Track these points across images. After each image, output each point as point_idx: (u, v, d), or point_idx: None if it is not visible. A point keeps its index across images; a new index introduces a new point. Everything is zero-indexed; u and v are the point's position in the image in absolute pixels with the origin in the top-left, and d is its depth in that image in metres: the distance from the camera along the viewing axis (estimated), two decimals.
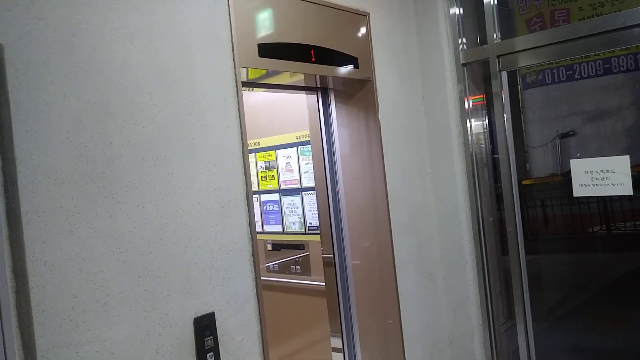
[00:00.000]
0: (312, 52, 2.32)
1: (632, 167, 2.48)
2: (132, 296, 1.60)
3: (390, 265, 2.68)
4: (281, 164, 3.73)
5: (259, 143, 3.85)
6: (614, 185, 2.51)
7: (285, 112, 3.65)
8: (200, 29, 1.87)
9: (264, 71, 2.26)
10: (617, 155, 2.51)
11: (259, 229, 3.86)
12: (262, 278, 2.03)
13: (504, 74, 2.83)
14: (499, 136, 2.84)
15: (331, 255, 2.82)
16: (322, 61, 2.38)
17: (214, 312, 1.81)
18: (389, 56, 2.79)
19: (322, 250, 3.27)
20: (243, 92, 2.00)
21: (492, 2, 2.77)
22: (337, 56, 2.46)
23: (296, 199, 3.65)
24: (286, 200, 3.72)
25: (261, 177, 3.87)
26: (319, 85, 2.71)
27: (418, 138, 2.97)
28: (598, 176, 2.54)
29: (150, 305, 1.64)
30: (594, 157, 2.56)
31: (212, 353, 1.78)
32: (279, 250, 3.79)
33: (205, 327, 1.77)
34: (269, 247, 3.85)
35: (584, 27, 2.53)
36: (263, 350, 1.97)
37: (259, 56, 2.09)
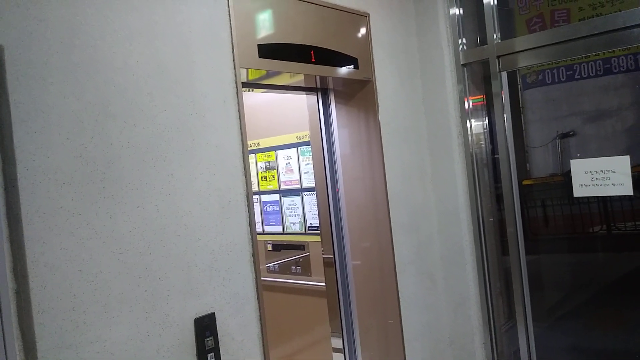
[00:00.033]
0: (312, 52, 2.32)
1: (632, 167, 2.48)
2: (133, 297, 1.60)
3: (391, 266, 2.68)
4: (281, 164, 3.73)
5: (259, 144, 3.85)
6: (614, 185, 2.51)
7: (285, 112, 3.65)
8: (201, 29, 1.87)
9: (264, 72, 2.26)
10: (617, 155, 2.51)
11: (259, 229, 3.86)
12: (262, 278, 2.03)
13: (504, 74, 2.83)
14: (499, 136, 2.84)
15: (331, 256, 2.82)
16: (322, 62, 2.38)
17: (214, 313, 1.81)
18: (389, 56, 2.79)
19: (323, 250, 3.26)
20: (243, 92, 2.00)
21: (492, 3, 2.77)
22: (337, 57, 2.46)
23: (296, 199, 3.65)
24: (286, 200, 3.72)
25: (261, 177, 3.87)
26: (319, 86, 2.72)
27: (418, 138, 2.97)
28: (598, 176, 2.54)
29: (151, 306, 1.64)
30: (594, 157, 2.56)
31: (212, 353, 1.78)
32: (279, 250, 3.79)
33: (205, 327, 1.77)
34: (269, 247, 3.85)
35: (584, 28, 2.53)
36: (263, 351, 1.97)
37: (259, 57, 2.09)
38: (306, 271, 3.62)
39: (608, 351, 3.58)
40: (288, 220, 3.73)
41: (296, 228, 3.68)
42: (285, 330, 3.66)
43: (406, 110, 2.89)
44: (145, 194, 1.66)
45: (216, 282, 1.83)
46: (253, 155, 3.87)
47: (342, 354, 2.82)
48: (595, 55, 4.06)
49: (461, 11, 2.95)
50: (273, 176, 3.79)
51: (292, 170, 3.66)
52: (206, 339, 1.77)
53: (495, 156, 2.94)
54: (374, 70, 2.67)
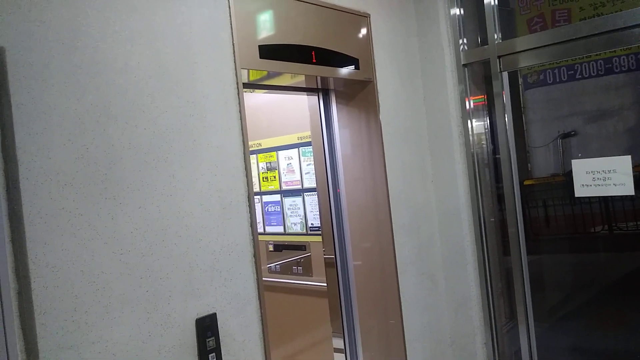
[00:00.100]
0: (313, 53, 2.32)
1: (634, 167, 2.48)
2: (134, 297, 1.60)
3: (392, 266, 2.68)
4: (282, 165, 3.73)
5: (260, 144, 3.86)
6: (615, 185, 2.50)
7: (287, 113, 3.65)
8: (201, 30, 1.87)
9: (264, 72, 2.26)
10: (618, 155, 2.51)
11: (260, 230, 3.87)
12: (263, 279, 2.03)
13: (505, 75, 2.83)
14: (500, 136, 2.84)
15: (333, 256, 2.82)
16: (323, 62, 2.38)
17: (215, 313, 1.82)
18: (389, 57, 2.79)
19: (324, 251, 3.26)
20: (244, 93, 2.00)
21: (492, 3, 2.77)
22: (338, 57, 2.47)
23: (297, 199, 3.65)
24: (287, 201, 3.72)
25: (262, 178, 3.88)
26: (320, 87, 2.72)
27: (419, 138, 2.97)
28: (599, 176, 2.54)
29: (152, 307, 1.64)
30: (595, 157, 2.56)
31: (213, 354, 1.78)
32: (281, 251, 3.79)
33: (207, 328, 1.78)
34: (271, 248, 3.85)
35: (584, 27, 2.53)
36: (265, 351, 1.97)
37: (260, 57, 2.09)
38: (307, 271, 3.62)
39: (609, 351, 3.57)
40: (289, 221, 3.73)
41: (297, 228, 3.69)
42: (286, 331, 3.66)
43: (407, 110, 2.89)
44: (147, 195, 1.66)
45: (217, 283, 1.84)
46: (254, 155, 3.88)
47: (343, 355, 2.82)
48: (597, 55, 4.06)
49: (462, 11, 2.95)
50: (274, 177, 3.79)
51: (293, 171, 3.67)
52: (207, 340, 1.77)
53: (497, 156, 2.93)
54: (375, 71, 2.67)
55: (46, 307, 1.41)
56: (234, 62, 1.97)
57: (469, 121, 2.94)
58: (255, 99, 3.79)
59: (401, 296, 2.69)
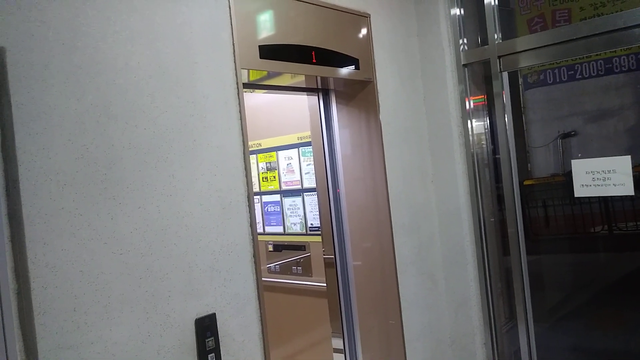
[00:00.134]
0: (313, 53, 2.32)
1: (634, 167, 2.48)
2: (134, 297, 1.60)
3: (392, 266, 2.68)
4: (282, 165, 3.73)
5: (260, 144, 3.86)
6: (615, 185, 2.50)
7: (286, 113, 3.65)
8: (201, 30, 1.87)
9: (265, 72, 2.26)
10: (618, 155, 2.51)
11: (260, 230, 3.86)
12: (263, 279, 2.03)
13: (505, 75, 2.83)
14: (500, 136, 2.84)
15: (332, 256, 2.82)
16: (323, 62, 2.38)
17: (215, 313, 1.82)
18: (389, 57, 2.79)
19: (324, 251, 3.26)
20: (244, 93, 2.00)
21: (492, 3, 2.77)
22: (338, 57, 2.47)
23: (297, 200, 3.65)
24: (287, 201, 3.72)
25: (262, 178, 3.88)
26: (320, 87, 2.72)
27: (419, 139, 2.97)
28: (599, 176, 2.54)
29: (152, 307, 1.64)
30: (595, 157, 2.56)
31: (213, 354, 1.78)
32: (280, 251, 3.79)
33: (206, 328, 1.78)
34: (270, 248, 3.85)
35: (584, 28, 2.53)
36: (264, 351, 1.97)
37: (260, 57, 2.09)
38: (307, 272, 3.62)
39: (609, 351, 3.58)
40: (289, 221, 3.73)
41: (297, 228, 3.69)
42: (286, 331, 3.66)
43: (407, 110, 2.89)
44: (147, 195, 1.66)
45: (217, 283, 1.84)
46: (254, 155, 3.88)
47: (343, 355, 2.82)
48: (597, 55, 4.06)
49: (462, 11, 2.95)
50: (274, 177, 3.79)
51: (293, 171, 3.67)
52: (207, 340, 1.77)
53: (497, 156, 2.93)
54: (375, 71, 2.67)
55: (45, 307, 1.41)
56: (234, 62, 1.97)
57: (469, 121, 2.94)
58: (255, 99, 3.79)
59: (401, 296, 2.69)
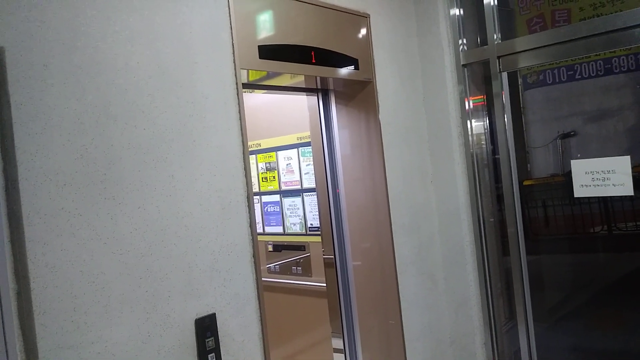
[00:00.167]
0: (312, 53, 2.32)
1: (633, 167, 2.48)
2: (134, 297, 1.60)
3: (391, 266, 2.68)
4: (282, 165, 3.73)
5: (259, 144, 3.86)
6: (614, 185, 2.51)
7: (286, 113, 3.65)
8: (201, 30, 1.87)
9: (264, 73, 2.26)
10: (618, 155, 2.51)
11: (259, 230, 3.86)
12: (263, 279, 2.03)
13: (505, 75, 2.83)
14: (499, 136, 2.84)
15: (332, 256, 2.82)
16: (323, 62, 2.38)
17: (215, 313, 1.82)
18: (389, 57, 2.79)
19: (323, 251, 3.26)
20: (244, 93, 2.00)
21: (492, 3, 2.77)
22: (338, 57, 2.47)
23: (297, 200, 3.65)
24: (287, 201, 3.72)
25: (262, 178, 3.88)
26: (319, 87, 2.72)
27: (419, 139, 2.97)
28: (599, 176, 2.54)
29: (152, 307, 1.64)
30: (594, 157, 2.56)
31: (213, 354, 1.78)
32: (280, 251, 3.79)
33: (206, 328, 1.78)
34: (270, 248, 3.85)
35: (584, 28, 2.53)
36: (264, 351, 1.97)
37: (260, 58, 2.09)
38: (307, 272, 3.62)
39: (609, 351, 3.58)
40: (289, 221, 3.73)
41: (297, 229, 3.69)
42: (286, 331, 3.66)
43: (407, 110, 2.89)
44: (146, 195, 1.66)
45: (217, 283, 1.84)
46: (254, 156, 3.88)
47: (343, 355, 2.82)
48: (596, 55, 4.06)
49: (461, 12, 2.95)
50: (274, 177, 3.79)
51: (292, 171, 3.67)
52: (207, 340, 1.77)
53: (496, 156, 2.94)
54: (375, 71, 2.67)
55: (45, 308, 1.41)
56: (234, 62, 1.97)
57: (468, 121, 2.94)
58: (254, 99, 3.79)
59: (401, 296, 2.69)
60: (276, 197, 3.79)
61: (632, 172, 2.47)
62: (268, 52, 2.12)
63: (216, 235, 1.85)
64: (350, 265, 2.79)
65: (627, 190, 2.48)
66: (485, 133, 3.02)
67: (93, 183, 1.53)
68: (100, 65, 1.58)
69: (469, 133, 2.93)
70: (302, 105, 3.00)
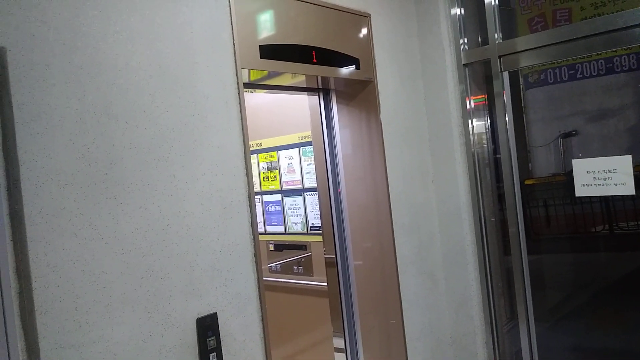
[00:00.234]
0: (313, 53, 2.32)
1: (635, 166, 2.48)
2: (135, 297, 1.60)
3: (392, 266, 2.68)
4: (283, 164, 3.74)
5: (260, 144, 3.86)
6: (616, 185, 2.50)
7: (287, 113, 3.65)
8: (202, 30, 1.87)
9: (265, 72, 2.26)
10: (619, 154, 2.51)
11: (261, 229, 3.87)
12: (264, 278, 2.03)
13: (506, 74, 2.83)
14: (500, 136, 2.84)
15: (333, 256, 2.83)
16: (324, 62, 2.38)
17: (216, 313, 1.82)
18: (390, 57, 2.79)
19: (324, 250, 3.27)
20: (245, 93, 2.01)
21: (493, 3, 2.77)
22: (339, 57, 2.47)
23: (298, 199, 3.65)
24: (288, 201, 3.72)
25: (263, 177, 3.88)
26: (320, 86, 2.72)
27: (420, 138, 2.97)
28: (600, 176, 2.54)
29: (153, 306, 1.65)
30: (596, 156, 2.56)
31: (214, 354, 1.79)
32: (281, 250, 3.80)
33: (207, 327, 1.78)
34: (271, 247, 3.85)
35: (585, 27, 2.53)
36: (265, 351, 1.97)
37: (261, 57, 2.09)
38: (308, 271, 3.62)
39: (610, 351, 3.58)
40: (290, 221, 3.74)
41: (298, 228, 3.69)
42: (287, 330, 3.66)
43: (407, 110, 2.89)
44: (148, 195, 1.66)
45: (218, 282, 1.84)
46: (255, 155, 3.88)
47: (344, 354, 2.82)
48: (597, 54, 4.06)
49: (462, 11, 2.95)
50: (275, 176, 3.80)
51: (293, 171, 3.67)
52: (208, 339, 1.77)
53: (497, 156, 2.93)
54: (376, 71, 2.67)
55: (47, 307, 1.41)
56: (235, 62, 1.98)
57: (469, 121, 2.94)
58: (255, 99, 3.79)
59: (402, 296, 2.69)
60: (277, 197, 3.79)
61: (634, 171, 2.46)
62: (269, 51, 2.12)
63: (217, 234, 1.85)
64: (351, 265, 2.79)
65: (629, 189, 2.48)
66: (486, 132, 3.02)
67: (94, 183, 1.54)
68: (101, 65, 1.58)
69: (470, 132, 2.93)
70: (303, 105, 3.00)
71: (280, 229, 3.81)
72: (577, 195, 2.61)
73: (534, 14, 3.88)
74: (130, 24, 1.67)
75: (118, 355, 1.55)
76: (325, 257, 3.24)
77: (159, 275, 1.67)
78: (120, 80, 1.63)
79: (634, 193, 2.49)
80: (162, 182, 1.70)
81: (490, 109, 3.00)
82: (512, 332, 2.98)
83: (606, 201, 4.58)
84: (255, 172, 3.87)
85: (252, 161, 3.83)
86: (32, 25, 1.44)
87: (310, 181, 3.54)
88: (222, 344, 1.82)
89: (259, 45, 2.09)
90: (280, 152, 3.75)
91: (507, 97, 2.84)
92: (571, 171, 2.63)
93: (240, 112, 1.97)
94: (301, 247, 3.67)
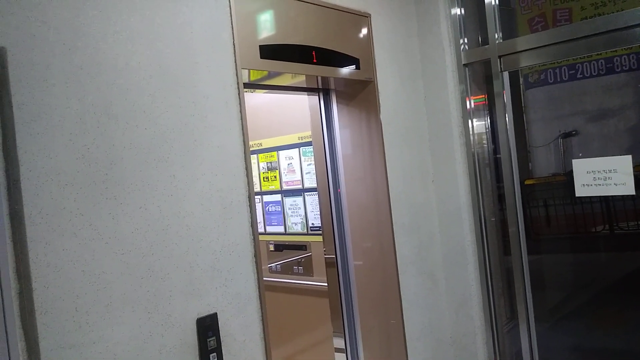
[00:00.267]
0: (313, 53, 2.32)
1: (635, 166, 2.48)
2: (135, 297, 1.60)
3: (393, 266, 2.68)
4: (283, 164, 3.74)
5: (261, 144, 3.86)
6: (616, 185, 2.50)
7: (287, 113, 3.65)
8: (202, 30, 1.87)
9: (265, 72, 2.26)
10: (619, 154, 2.51)
11: (261, 229, 3.87)
12: (264, 279, 2.03)
13: (506, 74, 2.83)
14: (500, 136, 2.84)
15: (333, 256, 2.83)
16: (324, 62, 2.38)
17: (216, 313, 1.82)
18: (390, 57, 2.79)
19: (324, 250, 3.26)
20: (245, 93, 2.01)
21: (493, 2, 2.77)
22: (339, 57, 2.47)
23: (298, 199, 3.65)
24: (288, 201, 3.72)
25: (263, 178, 3.88)
26: (320, 86, 2.72)
27: (420, 138, 2.97)
28: (600, 176, 2.54)
29: (153, 306, 1.65)
30: (596, 156, 2.56)
31: (214, 354, 1.79)
32: (281, 251, 3.80)
33: (207, 327, 1.78)
34: (272, 247, 3.85)
35: (585, 27, 2.53)
36: (266, 351, 1.97)
37: (261, 57, 2.09)
38: (308, 271, 3.62)
39: (610, 351, 3.58)
40: (290, 221, 3.74)
41: (298, 228, 3.69)
42: (287, 331, 3.66)
43: (408, 110, 2.89)
44: (148, 195, 1.66)
45: (218, 283, 1.84)
46: (255, 155, 3.88)
47: (344, 354, 2.82)
48: (598, 54, 4.06)
49: (462, 11, 2.95)
50: (275, 176, 3.80)
51: (294, 171, 3.67)
52: (208, 339, 1.77)
53: (497, 156, 2.93)
54: (376, 71, 2.67)
55: (47, 307, 1.41)
56: (235, 62, 1.98)
57: (469, 121, 2.94)
58: (256, 99, 3.79)
59: (402, 296, 2.69)
60: (277, 197, 3.79)
61: (634, 171, 2.46)
62: (269, 51, 2.12)
63: (217, 235, 1.85)
64: (351, 265, 2.79)
65: (629, 189, 2.48)
66: (486, 132, 3.02)
67: (94, 183, 1.54)
68: (101, 66, 1.58)
69: (470, 132, 2.93)
70: (303, 105, 3.00)
71: (280, 229, 3.81)
72: (577, 195, 2.61)
73: (534, 14, 3.88)
74: (130, 24, 1.67)
75: (118, 356, 1.55)
76: (325, 257, 3.24)
77: (159, 276, 1.67)
78: (121, 81, 1.63)
79: (634, 193, 2.49)
80: (162, 182, 1.70)
81: (490, 109, 3.00)
82: (513, 332, 2.98)
83: (606, 201, 4.58)
84: (255, 172, 3.87)
85: (252, 161, 3.83)
86: (33, 26, 1.44)
87: (310, 181, 3.54)
88: (222, 344, 1.82)
89: (259, 45, 2.09)
90: (280, 152, 3.75)
91: (507, 97, 2.84)
92: (571, 171, 2.63)
93: (241, 112, 1.97)
94: (301, 247, 3.67)
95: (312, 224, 3.59)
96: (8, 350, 1.34)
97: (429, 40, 2.97)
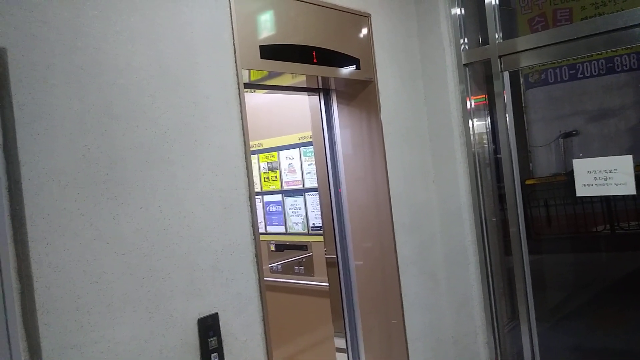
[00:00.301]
0: (313, 53, 2.33)
1: (635, 166, 2.48)
2: (136, 297, 1.60)
3: (393, 266, 2.68)
4: (284, 165, 3.74)
5: (261, 144, 3.86)
6: (617, 184, 2.50)
7: (288, 113, 3.66)
8: (203, 30, 1.88)
9: (265, 73, 2.26)
10: (620, 154, 2.51)
11: (262, 229, 3.87)
12: (265, 279, 2.03)
13: (506, 74, 2.83)
14: (501, 136, 2.84)
15: (334, 256, 2.83)
16: (324, 62, 2.38)
17: (217, 313, 1.82)
18: (390, 57, 2.80)
19: (325, 250, 3.27)
20: (245, 93, 2.01)
21: (493, 2, 2.77)
22: (339, 57, 2.47)
23: (299, 199, 3.65)
24: (289, 201, 3.72)
25: (264, 178, 3.88)
26: (320, 86, 2.72)
27: (420, 138, 2.97)
28: (601, 176, 2.54)
29: (154, 306, 1.65)
30: (597, 156, 2.56)
31: (216, 354, 1.79)
32: (282, 250, 3.80)
33: (209, 327, 1.78)
34: (272, 247, 3.85)
35: (585, 27, 2.53)
36: (267, 351, 1.97)
37: (261, 58, 2.09)
38: (309, 271, 3.62)
39: (611, 351, 3.57)
40: (291, 221, 3.74)
41: (299, 228, 3.69)
42: (288, 330, 3.66)
43: (408, 110, 2.90)
44: (148, 195, 1.66)
45: (219, 283, 1.84)
46: (255, 155, 3.88)
47: (345, 354, 2.82)
48: (598, 54, 4.06)
49: (463, 11, 2.95)
50: (275, 177, 3.80)
51: (294, 171, 3.67)
52: (209, 339, 1.78)
53: (498, 156, 2.93)
54: (376, 71, 2.67)
55: (49, 307, 1.41)
56: (235, 62, 1.98)
57: (470, 121, 2.94)
58: (256, 99, 3.79)
59: (403, 296, 2.69)
60: (278, 197, 3.79)
61: (635, 171, 2.46)
62: (269, 52, 2.13)
63: (218, 235, 1.85)
64: (352, 265, 2.79)
65: (630, 189, 2.48)
66: (487, 132, 3.02)
67: (95, 183, 1.54)
68: (101, 66, 1.58)
69: (471, 132, 2.93)
70: (304, 105, 3.00)
71: (281, 229, 3.81)
72: (577, 195, 2.61)
73: (535, 14, 3.89)
74: (131, 24, 1.67)
75: (119, 355, 1.55)
76: (326, 257, 3.24)
77: (160, 276, 1.67)
78: (121, 81, 1.63)
79: (634, 193, 2.48)
80: (163, 183, 1.71)
81: (490, 109, 3.00)
82: (514, 332, 2.98)
83: (607, 201, 4.58)
84: (255, 173, 3.88)
85: (253, 161, 3.82)
86: (33, 26, 1.44)
87: (311, 181, 3.54)
88: (223, 344, 1.82)
89: (259, 46, 2.09)
90: (281, 152, 3.75)
91: (507, 97, 2.84)
92: (572, 171, 2.63)
93: (241, 112, 1.97)
94: (302, 247, 3.67)
95: (313, 224, 3.59)
96: (10, 350, 1.34)
97: (429, 40, 2.97)
